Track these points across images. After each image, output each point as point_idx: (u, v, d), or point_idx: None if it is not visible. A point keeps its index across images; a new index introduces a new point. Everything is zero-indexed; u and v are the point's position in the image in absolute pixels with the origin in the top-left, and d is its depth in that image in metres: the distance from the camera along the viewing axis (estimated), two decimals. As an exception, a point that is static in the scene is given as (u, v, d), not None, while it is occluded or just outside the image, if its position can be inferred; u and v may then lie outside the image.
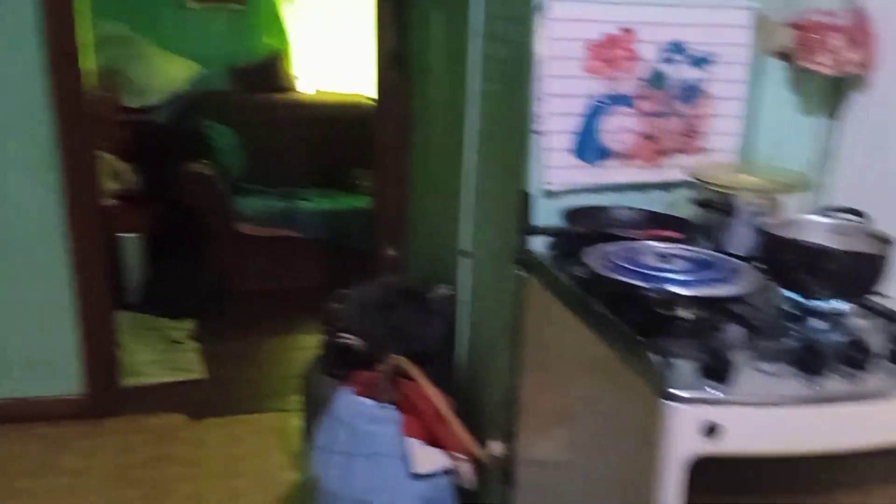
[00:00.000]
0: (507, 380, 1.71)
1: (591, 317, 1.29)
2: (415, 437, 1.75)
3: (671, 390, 1.05)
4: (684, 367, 1.09)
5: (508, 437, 1.69)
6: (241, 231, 3.82)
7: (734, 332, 1.22)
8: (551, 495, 1.50)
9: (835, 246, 1.27)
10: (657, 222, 1.61)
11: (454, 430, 1.72)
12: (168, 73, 4.25)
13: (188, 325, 3.46)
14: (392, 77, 2.60)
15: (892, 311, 1.29)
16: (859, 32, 1.61)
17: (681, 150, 1.70)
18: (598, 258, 1.33)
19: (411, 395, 1.79)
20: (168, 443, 2.56)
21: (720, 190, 1.50)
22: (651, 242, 1.42)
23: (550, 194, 1.65)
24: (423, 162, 2.51)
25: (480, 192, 1.96)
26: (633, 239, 1.44)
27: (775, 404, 1.05)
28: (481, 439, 1.78)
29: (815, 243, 1.24)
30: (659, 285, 1.17)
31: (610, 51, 1.61)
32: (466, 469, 1.78)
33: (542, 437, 1.56)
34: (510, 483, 1.67)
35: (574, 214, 1.60)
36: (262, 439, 2.58)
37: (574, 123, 1.63)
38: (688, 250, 1.38)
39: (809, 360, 1.10)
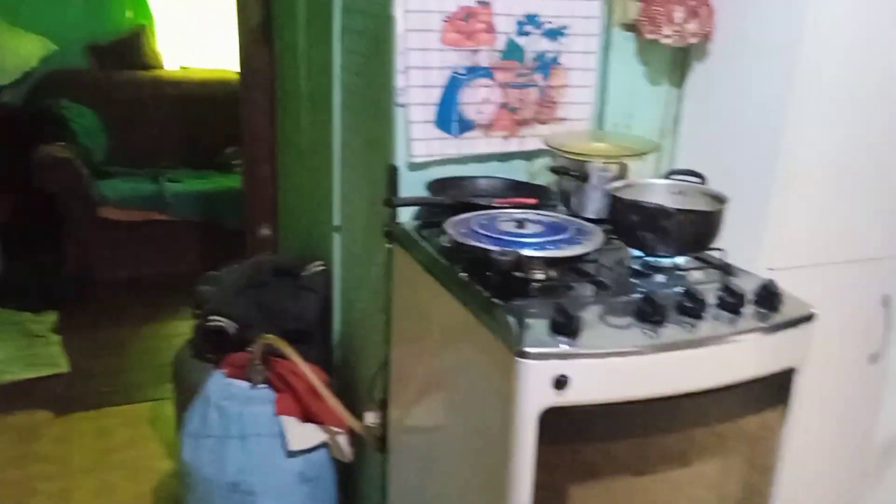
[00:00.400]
0: (381, 351, 1.73)
1: (452, 283, 1.33)
2: (289, 415, 1.74)
3: (523, 348, 1.09)
4: (537, 326, 1.14)
5: (382, 406, 1.71)
6: (105, 217, 3.62)
7: (584, 289, 1.29)
8: (422, 458, 1.54)
9: (674, 206, 1.36)
10: (517, 190, 1.66)
11: (329, 404, 1.72)
12: (18, 51, 3.95)
13: (51, 317, 3.27)
14: (258, 51, 2.53)
15: (726, 263, 1.40)
16: (699, 5, 1.71)
17: (539, 120, 1.76)
18: (458, 227, 1.36)
19: (284, 373, 1.78)
20: (32, 441, 2.42)
21: (574, 157, 1.57)
22: (509, 210, 1.46)
23: (415, 166, 1.67)
24: (293, 138, 2.47)
25: (349, 166, 1.96)
26: (493, 207, 1.48)
27: (618, 354, 1.11)
28: (358, 411, 1.80)
29: (654, 204, 1.32)
30: (513, 249, 1.21)
31: (467, 23, 1.64)
32: (342, 442, 1.79)
33: (412, 404, 1.59)
34: (384, 451, 1.70)
35: (438, 185, 1.63)
36: (133, 430, 2.49)
37: (435, 95, 1.64)
38: (543, 215, 1.43)
39: (650, 312, 1.17)
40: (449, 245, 1.39)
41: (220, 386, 1.81)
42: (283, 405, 1.75)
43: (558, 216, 1.44)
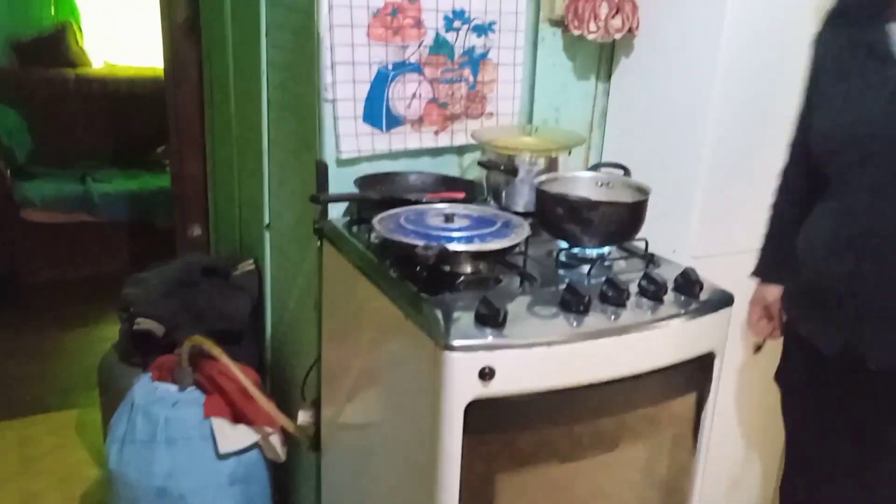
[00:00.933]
0: (313, 350, 1.71)
1: (380, 279, 1.32)
2: (219, 417, 1.71)
3: (449, 341, 1.09)
4: (463, 318, 1.15)
5: (315, 405, 1.69)
6: (28, 219, 3.49)
7: (511, 281, 1.30)
8: (355, 456, 1.53)
9: (598, 198, 1.38)
10: (447, 185, 1.67)
11: (260, 404, 1.69)
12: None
13: (-30, 324, 3.13)
14: (185, 47, 2.47)
15: (649, 253, 1.43)
16: (624, 0, 1.74)
17: (469, 115, 1.77)
18: (386, 222, 1.35)
19: (213, 374, 1.74)
20: (-50, 453, 2.32)
21: (503, 152, 1.58)
22: (438, 205, 1.47)
23: (344, 162, 1.65)
24: (222, 135, 2.42)
25: (278, 163, 1.93)
26: (422, 202, 1.48)
27: (543, 344, 1.12)
28: (292, 411, 1.77)
29: (578, 196, 1.34)
30: (439, 243, 1.21)
31: (395, 18, 1.63)
32: (275, 441, 1.76)
33: (344, 402, 1.57)
34: (317, 450, 1.68)
35: (367, 181, 1.62)
36: (59, 438, 2.40)
37: (363, 91, 1.63)
38: (471, 210, 1.44)
39: (574, 302, 1.19)
40: (377, 241, 1.38)
41: (147, 390, 1.76)
42: (213, 407, 1.71)
43: (487, 210, 1.45)
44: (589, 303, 1.19)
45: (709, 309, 1.28)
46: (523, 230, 1.32)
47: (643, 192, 1.42)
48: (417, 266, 1.22)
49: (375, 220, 1.36)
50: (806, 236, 1.35)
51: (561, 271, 1.37)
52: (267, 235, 2.01)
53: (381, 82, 1.64)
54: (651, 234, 1.43)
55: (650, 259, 1.42)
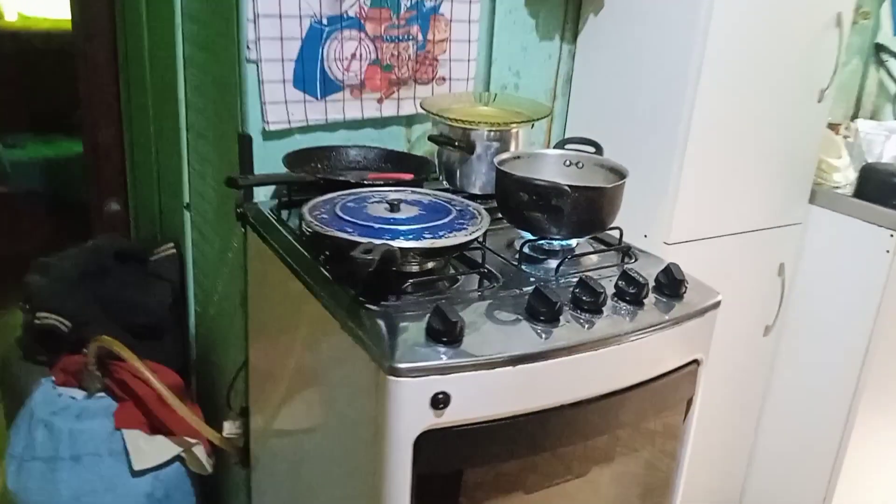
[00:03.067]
0: (241, 351, 1.50)
1: (312, 279, 1.10)
2: (133, 428, 1.49)
3: (394, 363, 0.89)
4: (411, 333, 0.95)
5: (243, 414, 1.48)
6: (-73, 189, 3.14)
7: (469, 282, 1.11)
8: (289, 474, 1.33)
9: (567, 181, 1.18)
10: (393, 162, 1.46)
11: (179, 413, 1.47)
12: None
13: None
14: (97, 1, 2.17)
15: (625, 245, 1.25)
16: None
17: (418, 80, 1.54)
18: (318, 211, 1.13)
19: (126, 378, 1.51)
20: None
21: (457, 125, 1.37)
22: (382, 188, 1.25)
23: (272, 135, 1.42)
24: (139, 100, 2.14)
25: (199, 134, 1.67)
26: (363, 185, 1.27)
27: (506, 363, 0.93)
28: (219, 418, 1.56)
29: (546, 182, 1.14)
30: (382, 241, 1.01)
31: (329, -36, 1.40)
32: (200, 454, 1.55)
33: (275, 413, 1.37)
34: (246, 465, 1.48)
35: (299, 157, 1.39)
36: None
37: (294, 50, 1.40)
38: (421, 195, 1.23)
39: (542, 310, 1.00)
40: (307, 232, 1.16)
41: (48, 398, 1.53)
42: (125, 417, 1.49)
43: (439, 194, 1.24)
44: (560, 310, 1.00)
45: (695, 313, 1.11)
46: (482, 220, 1.12)
47: (619, 174, 1.23)
48: (357, 267, 1.01)
49: (306, 209, 1.14)
50: None
51: (525, 267, 1.17)
52: (187, 217, 1.76)
53: (314, 40, 1.41)
54: (620, 216, 1.24)
55: (626, 251, 1.24)
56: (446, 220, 1.12)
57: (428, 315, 0.95)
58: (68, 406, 1.50)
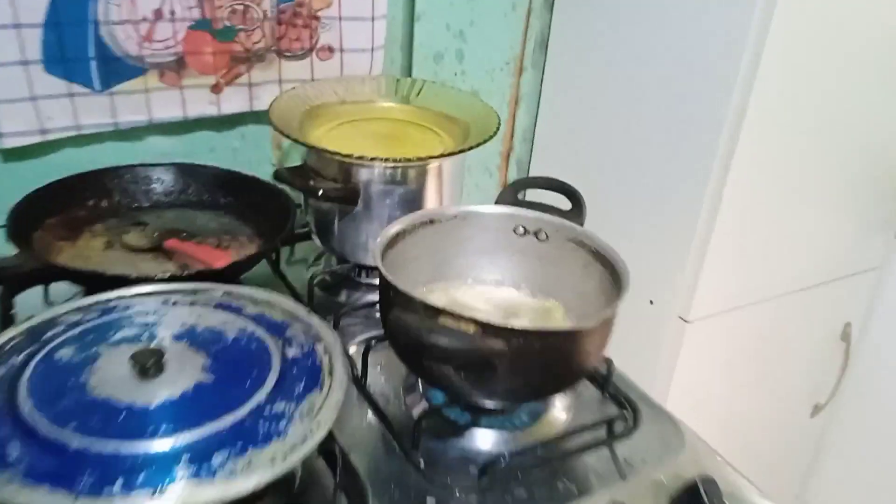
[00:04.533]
0: None
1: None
2: None
3: None
4: None
5: None
6: None
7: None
8: None
9: (516, 272, 0.61)
10: (225, 198, 0.86)
11: None
12: None
13: None
14: None
15: (612, 390, 0.67)
16: None
17: (283, 54, 0.93)
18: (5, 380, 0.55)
19: None
20: None
21: (333, 157, 0.76)
22: (162, 290, 0.65)
23: (15, 154, 0.82)
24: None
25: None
26: (130, 281, 0.67)
27: None
28: None
29: (451, 329, 0.55)
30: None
31: None
32: None
33: None
34: None
35: (53, 194, 0.79)
36: None
37: (38, 6, 0.77)
38: (231, 312, 0.62)
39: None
40: None
41: None
42: None
43: (277, 303, 0.64)
44: None
45: None
46: (332, 394, 0.53)
47: (609, 265, 0.64)
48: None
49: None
50: None
51: (431, 444, 0.61)
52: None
53: (79, -12, 0.78)
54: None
55: (621, 402, 0.67)
56: (245, 408, 0.52)
57: None
58: None
